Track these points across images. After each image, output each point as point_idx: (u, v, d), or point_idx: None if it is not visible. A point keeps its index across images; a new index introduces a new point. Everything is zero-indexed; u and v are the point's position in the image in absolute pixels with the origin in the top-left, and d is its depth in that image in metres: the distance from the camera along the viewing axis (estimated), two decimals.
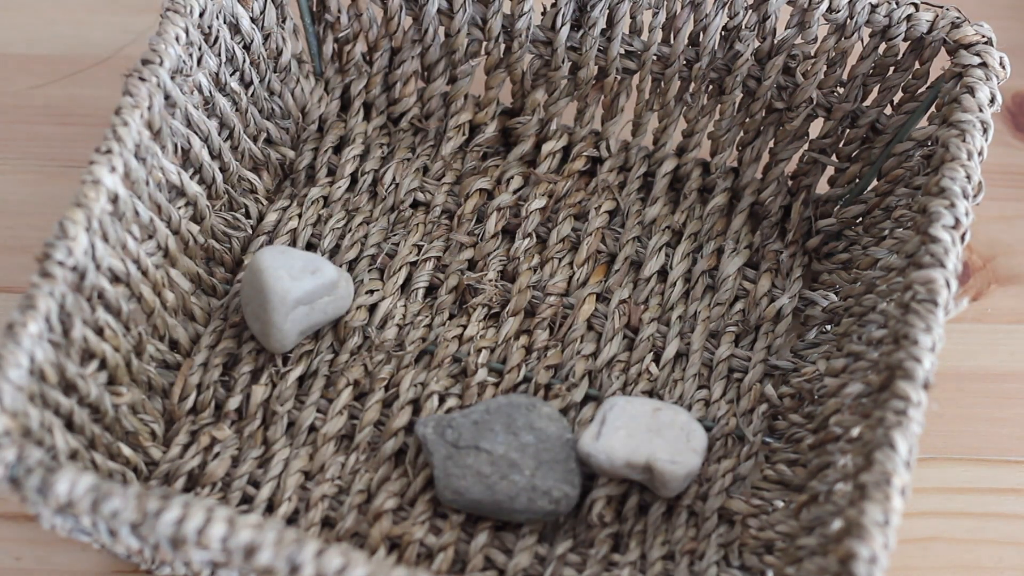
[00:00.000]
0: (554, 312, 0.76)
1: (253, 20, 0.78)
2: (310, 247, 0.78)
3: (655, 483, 0.69)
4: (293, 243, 0.78)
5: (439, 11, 0.80)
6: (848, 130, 0.78)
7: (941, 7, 0.74)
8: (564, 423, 0.71)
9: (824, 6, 0.75)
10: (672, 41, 0.79)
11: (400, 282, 0.77)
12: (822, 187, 0.81)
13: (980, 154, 0.70)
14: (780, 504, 0.70)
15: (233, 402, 0.73)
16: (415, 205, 0.80)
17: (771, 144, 0.80)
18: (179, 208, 0.73)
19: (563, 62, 0.80)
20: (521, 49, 0.80)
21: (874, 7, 0.75)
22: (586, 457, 0.70)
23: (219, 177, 0.76)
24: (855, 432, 0.66)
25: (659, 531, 0.70)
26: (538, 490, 0.68)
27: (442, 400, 0.73)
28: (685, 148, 0.81)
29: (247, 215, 0.78)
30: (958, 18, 0.74)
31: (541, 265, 0.78)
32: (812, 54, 0.77)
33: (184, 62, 0.72)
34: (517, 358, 0.75)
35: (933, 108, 0.75)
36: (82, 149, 0.76)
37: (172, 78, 0.71)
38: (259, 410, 0.73)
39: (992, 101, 0.72)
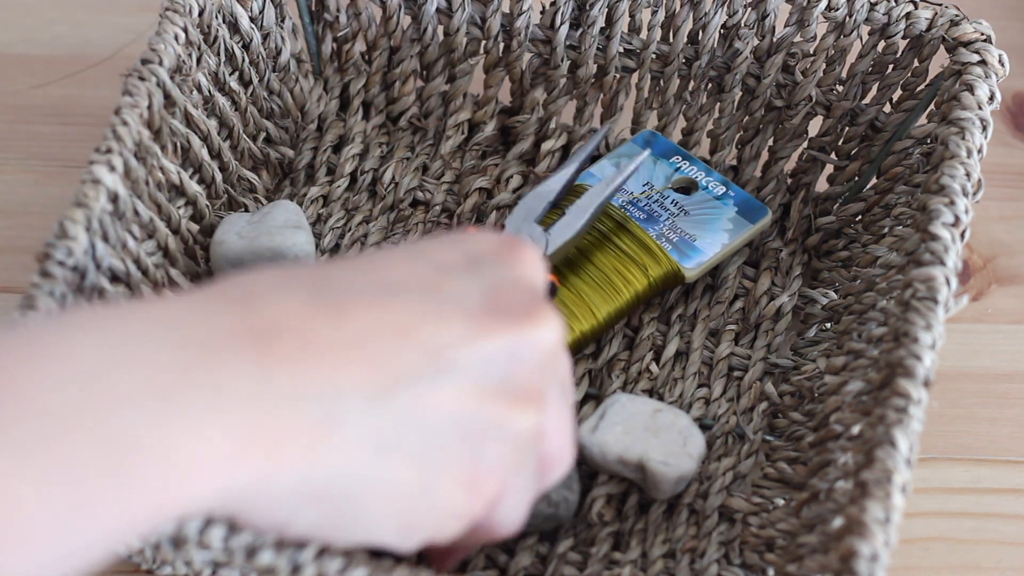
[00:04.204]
0: None
1: (252, 19, 0.78)
2: None
3: (647, 483, 0.69)
4: None
5: (438, 10, 0.80)
6: (847, 128, 0.78)
7: (940, 5, 0.75)
8: None
9: (823, 4, 0.75)
10: (671, 39, 0.79)
11: None
12: (821, 185, 0.81)
13: (979, 151, 0.70)
14: (781, 502, 0.70)
15: None
16: (415, 204, 0.80)
17: (770, 142, 0.80)
18: (179, 208, 0.73)
19: (562, 60, 0.80)
20: (520, 48, 0.80)
21: (873, 5, 0.75)
22: (580, 449, 0.70)
23: (219, 176, 0.76)
24: (855, 430, 0.66)
25: (660, 529, 0.70)
26: None
27: None
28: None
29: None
30: (957, 16, 0.74)
31: None
32: (811, 52, 0.77)
33: (183, 61, 0.72)
34: None
35: (932, 106, 0.75)
36: (82, 149, 0.76)
37: (171, 77, 0.71)
38: None
39: (991, 99, 0.72)
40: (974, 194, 0.69)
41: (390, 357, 0.51)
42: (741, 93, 0.79)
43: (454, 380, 0.52)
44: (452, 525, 0.55)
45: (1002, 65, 0.73)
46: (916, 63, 0.76)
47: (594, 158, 0.81)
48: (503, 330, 0.54)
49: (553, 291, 0.71)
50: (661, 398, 0.74)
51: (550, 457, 0.58)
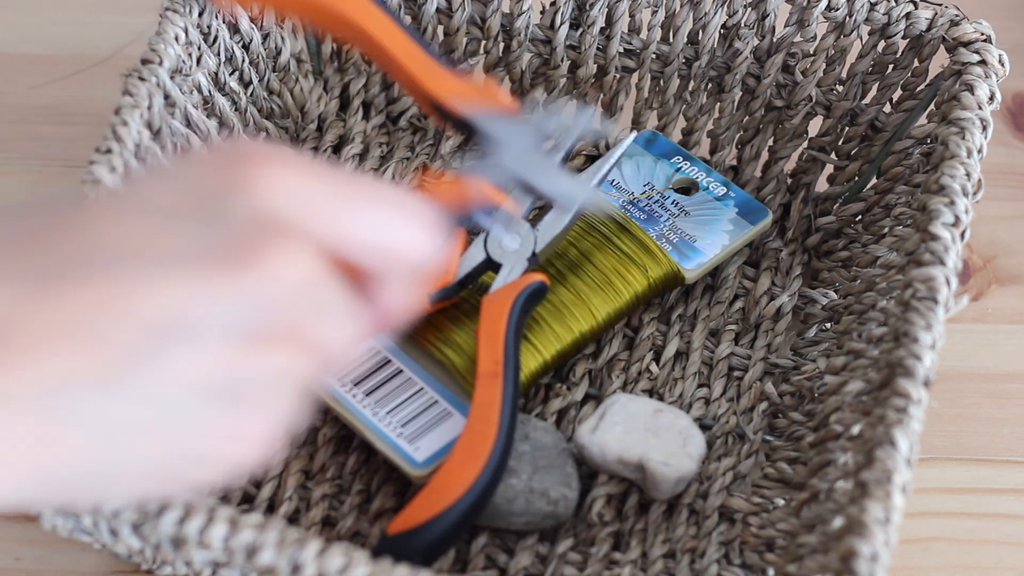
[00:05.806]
0: None
1: (252, 19, 0.78)
2: None
3: (647, 483, 0.69)
4: None
5: (438, 10, 0.80)
6: (847, 128, 0.78)
7: (940, 5, 0.75)
8: (559, 435, 0.70)
9: (823, 4, 0.75)
10: (671, 39, 0.79)
11: None
12: (821, 185, 0.81)
13: (979, 151, 0.70)
14: (781, 502, 0.70)
15: None
16: None
17: (770, 142, 0.80)
18: None
19: (562, 61, 0.80)
20: (520, 48, 0.80)
21: (873, 5, 0.75)
22: (580, 449, 0.70)
23: None
24: (856, 430, 0.66)
25: (660, 529, 0.70)
26: (536, 492, 0.68)
27: None
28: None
29: None
30: (957, 16, 0.74)
31: None
32: (811, 52, 0.77)
33: (183, 62, 0.72)
34: None
35: (932, 106, 0.75)
36: (82, 149, 0.76)
37: (172, 78, 0.71)
38: None
39: (991, 99, 0.72)
40: (974, 194, 0.69)
41: (109, 337, 0.47)
42: (741, 93, 0.79)
43: (191, 344, 0.48)
44: (222, 470, 0.51)
45: (1002, 65, 0.73)
46: (916, 63, 0.76)
47: (593, 159, 0.81)
48: (235, 276, 0.49)
49: (544, 290, 0.71)
50: (661, 398, 0.74)
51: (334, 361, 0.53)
